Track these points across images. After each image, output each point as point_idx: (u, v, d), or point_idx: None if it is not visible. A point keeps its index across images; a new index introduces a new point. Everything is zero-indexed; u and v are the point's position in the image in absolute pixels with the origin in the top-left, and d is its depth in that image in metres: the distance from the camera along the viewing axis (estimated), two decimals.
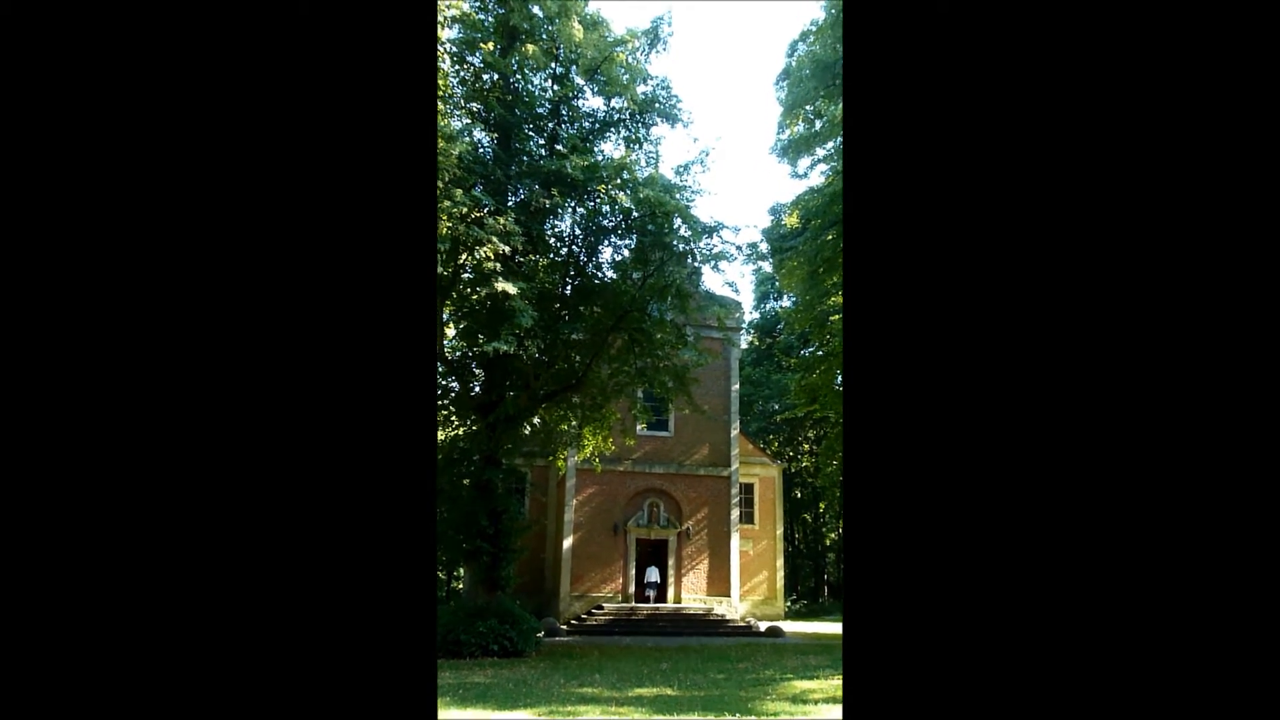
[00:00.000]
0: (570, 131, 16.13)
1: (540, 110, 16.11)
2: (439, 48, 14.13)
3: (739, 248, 15.80)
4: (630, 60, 16.12)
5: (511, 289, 13.02)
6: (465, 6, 15.11)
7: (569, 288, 16.45)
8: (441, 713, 8.22)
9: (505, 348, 13.21)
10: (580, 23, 15.09)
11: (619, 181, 14.63)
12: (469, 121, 15.75)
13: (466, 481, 16.51)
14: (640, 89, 16.27)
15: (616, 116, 16.60)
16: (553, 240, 16.36)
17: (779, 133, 21.26)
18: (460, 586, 28.53)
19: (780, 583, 28.59)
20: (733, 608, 24.44)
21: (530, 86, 16.17)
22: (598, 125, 16.60)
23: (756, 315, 42.56)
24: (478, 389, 17.16)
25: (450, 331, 16.79)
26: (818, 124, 20.26)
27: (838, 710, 8.86)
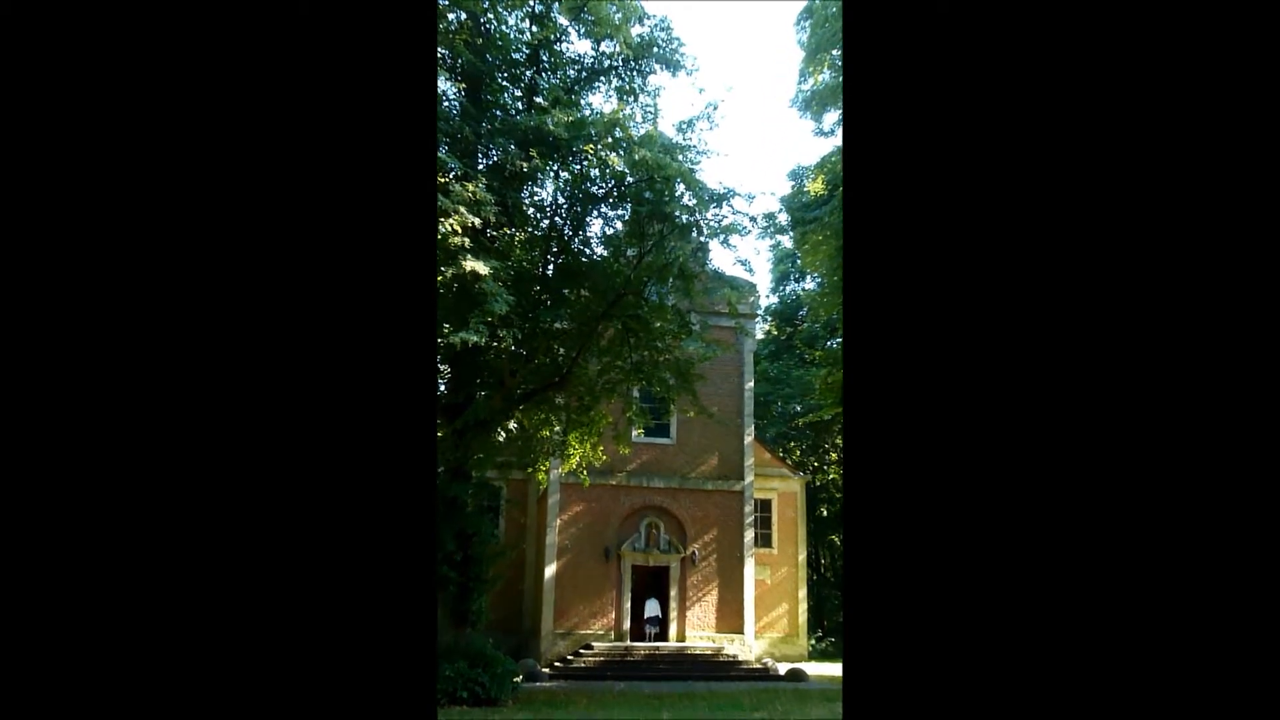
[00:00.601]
0: (552, 81, 16.11)
1: (516, 56, 16.05)
2: None
3: (753, 219, 15.76)
4: None
5: (482, 268, 12.94)
6: None
7: (551, 267, 16.44)
8: None
9: (475, 339, 13.12)
10: None
11: (610, 140, 14.56)
12: None
13: None
14: (635, 30, 16.20)
15: (607, 63, 16.55)
16: (531, 211, 16.34)
17: (800, 82, 21.32)
18: None
19: (803, 617, 28.77)
20: (746, 647, 24.60)
21: (504, 28, 16.07)
22: (585, 74, 16.57)
23: (775, 300, 42.69)
24: (443, 388, 17.12)
25: None
26: None
27: None
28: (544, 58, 16.31)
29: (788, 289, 42.42)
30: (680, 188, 14.87)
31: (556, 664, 22.76)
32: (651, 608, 24.64)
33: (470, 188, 13.39)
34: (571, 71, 16.57)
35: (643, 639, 24.23)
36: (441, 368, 17.28)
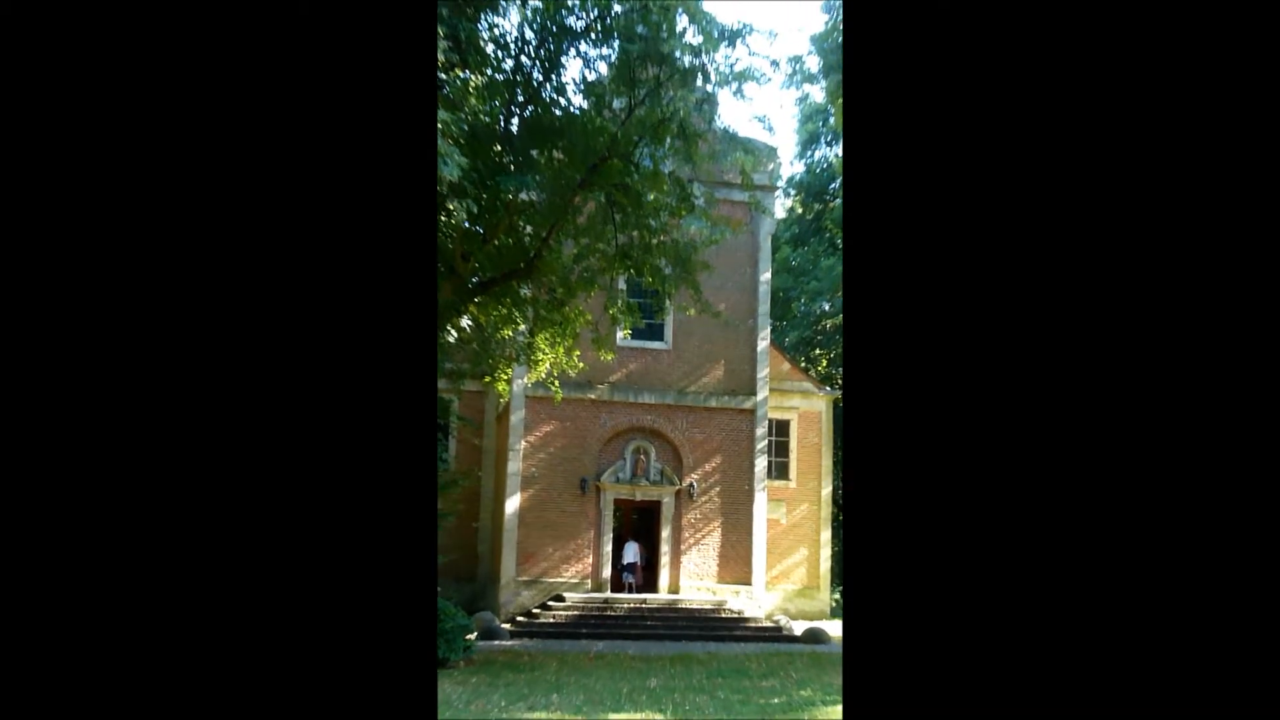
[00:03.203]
0: None
1: None
2: None
3: (775, 63, 15.60)
4: None
5: None
6: None
7: (515, 121, 16.30)
8: None
9: None
10: None
11: None
12: None
13: None
14: None
15: None
16: (491, 48, 16.08)
17: None
18: None
19: (826, 565, 29.30)
20: (755, 601, 25.11)
21: None
22: None
23: (800, 169, 42.29)
24: None
25: None
26: None
27: None
28: None
29: (816, 155, 41.89)
30: (682, 21, 14.69)
31: (520, 619, 23.21)
32: (630, 552, 25.10)
33: None
34: None
35: (626, 589, 24.71)
36: None
